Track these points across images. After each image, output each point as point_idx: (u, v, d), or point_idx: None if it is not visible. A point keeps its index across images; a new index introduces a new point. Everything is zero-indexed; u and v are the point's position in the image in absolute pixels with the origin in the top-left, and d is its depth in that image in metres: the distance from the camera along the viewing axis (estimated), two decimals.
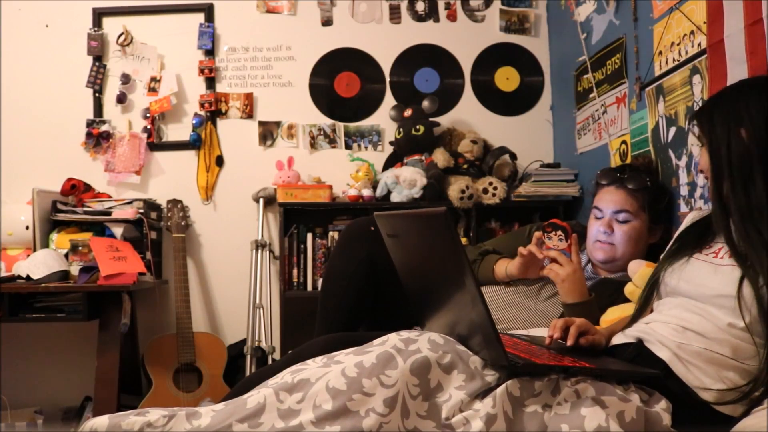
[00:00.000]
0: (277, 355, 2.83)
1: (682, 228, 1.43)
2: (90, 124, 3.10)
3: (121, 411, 1.01)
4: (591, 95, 2.68)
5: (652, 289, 1.34)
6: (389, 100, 3.17)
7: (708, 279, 1.20)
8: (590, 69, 2.66)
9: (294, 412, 0.98)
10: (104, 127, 3.09)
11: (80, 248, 2.57)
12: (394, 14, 3.20)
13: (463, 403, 0.99)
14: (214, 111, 3.13)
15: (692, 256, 1.28)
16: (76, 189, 2.87)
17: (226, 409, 1.00)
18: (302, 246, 2.95)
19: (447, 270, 1.07)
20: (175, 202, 2.94)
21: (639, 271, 1.66)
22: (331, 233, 2.94)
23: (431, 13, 3.20)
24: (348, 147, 3.14)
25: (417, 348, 1.03)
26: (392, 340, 1.06)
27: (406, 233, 1.22)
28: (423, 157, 2.91)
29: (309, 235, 2.95)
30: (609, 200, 1.89)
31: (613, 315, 1.81)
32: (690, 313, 1.20)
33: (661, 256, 1.38)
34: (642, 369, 1.12)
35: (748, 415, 1.08)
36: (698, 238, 1.32)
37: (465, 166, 2.91)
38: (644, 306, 1.35)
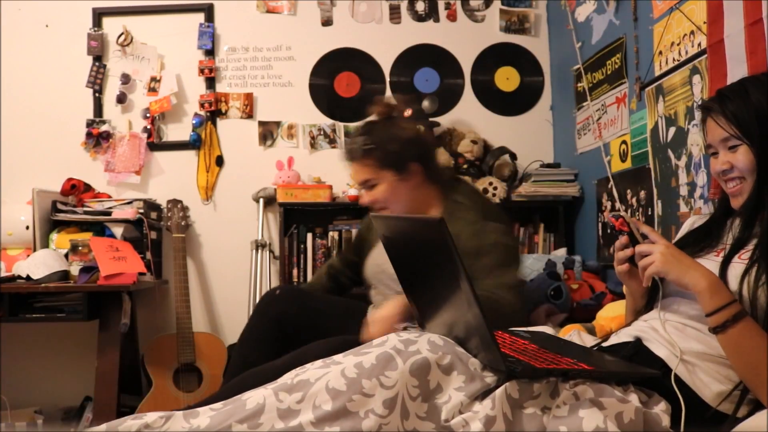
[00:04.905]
0: None
1: (682, 232, 1.42)
2: (90, 124, 3.10)
3: (121, 411, 1.01)
4: (584, 102, 2.69)
5: (654, 287, 1.33)
6: None
7: None
8: (584, 77, 2.67)
9: (293, 412, 0.98)
10: (104, 127, 3.09)
11: (80, 248, 2.57)
12: (394, 14, 3.20)
13: (462, 405, 0.99)
14: (214, 111, 3.13)
15: (693, 256, 1.26)
16: (76, 189, 2.87)
17: (225, 409, 1.00)
18: (302, 246, 2.95)
19: (443, 274, 1.07)
20: (175, 202, 2.94)
21: None
22: (331, 233, 2.94)
23: (431, 13, 3.20)
24: None
25: (417, 349, 1.03)
26: (392, 340, 1.06)
27: (402, 236, 1.23)
28: None
29: (309, 235, 2.95)
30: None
31: (614, 312, 1.81)
32: (690, 311, 1.20)
33: None
34: (641, 369, 1.11)
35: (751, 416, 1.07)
36: (700, 241, 1.30)
37: (465, 166, 2.91)
38: (646, 304, 1.34)
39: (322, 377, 1.01)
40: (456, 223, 1.67)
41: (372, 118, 1.88)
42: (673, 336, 1.17)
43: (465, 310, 1.04)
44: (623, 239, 1.27)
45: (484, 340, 1.02)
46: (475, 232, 1.67)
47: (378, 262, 1.92)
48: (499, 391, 0.99)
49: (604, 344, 1.31)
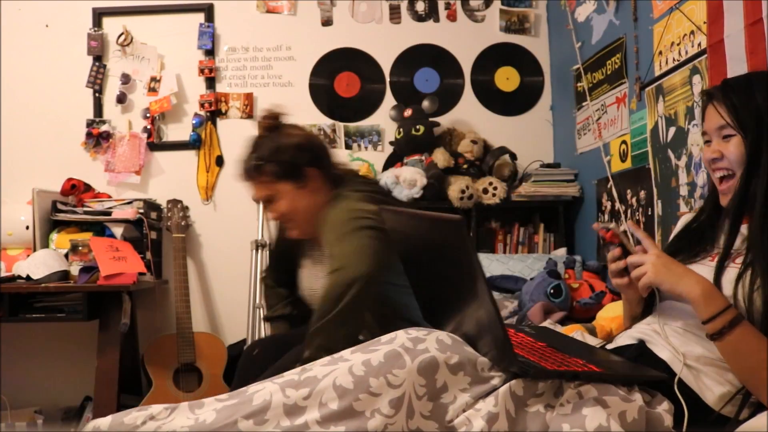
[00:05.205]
0: None
1: (676, 231, 1.42)
2: (90, 124, 3.09)
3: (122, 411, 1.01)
4: (584, 102, 2.70)
5: (650, 294, 1.33)
6: (389, 100, 3.17)
7: None
8: (584, 77, 2.67)
9: (300, 408, 0.97)
10: (104, 127, 3.09)
11: (80, 248, 2.57)
12: (394, 14, 3.20)
13: (467, 405, 0.99)
14: (214, 111, 3.13)
15: (688, 262, 1.26)
16: (76, 189, 2.87)
17: (231, 403, 0.99)
18: None
19: (457, 272, 1.06)
20: (175, 202, 2.94)
21: None
22: None
23: (431, 13, 3.20)
24: (348, 147, 3.15)
25: (425, 348, 1.02)
26: (400, 338, 1.05)
27: (414, 231, 1.21)
28: (423, 157, 2.92)
29: None
30: None
31: (614, 312, 1.81)
32: (688, 318, 1.19)
33: None
34: (649, 372, 1.11)
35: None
36: (695, 246, 1.30)
37: (465, 166, 2.92)
38: (645, 308, 1.34)
39: (330, 374, 1.00)
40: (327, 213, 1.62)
41: (258, 133, 1.81)
42: (674, 340, 1.17)
43: (476, 308, 1.03)
44: (615, 251, 1.25)
45: (497, 339, 1.01)
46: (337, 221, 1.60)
47: (308, 285, 1.85)
48: (502, 388, 0.99)
49: (607, 347, 1.31)
